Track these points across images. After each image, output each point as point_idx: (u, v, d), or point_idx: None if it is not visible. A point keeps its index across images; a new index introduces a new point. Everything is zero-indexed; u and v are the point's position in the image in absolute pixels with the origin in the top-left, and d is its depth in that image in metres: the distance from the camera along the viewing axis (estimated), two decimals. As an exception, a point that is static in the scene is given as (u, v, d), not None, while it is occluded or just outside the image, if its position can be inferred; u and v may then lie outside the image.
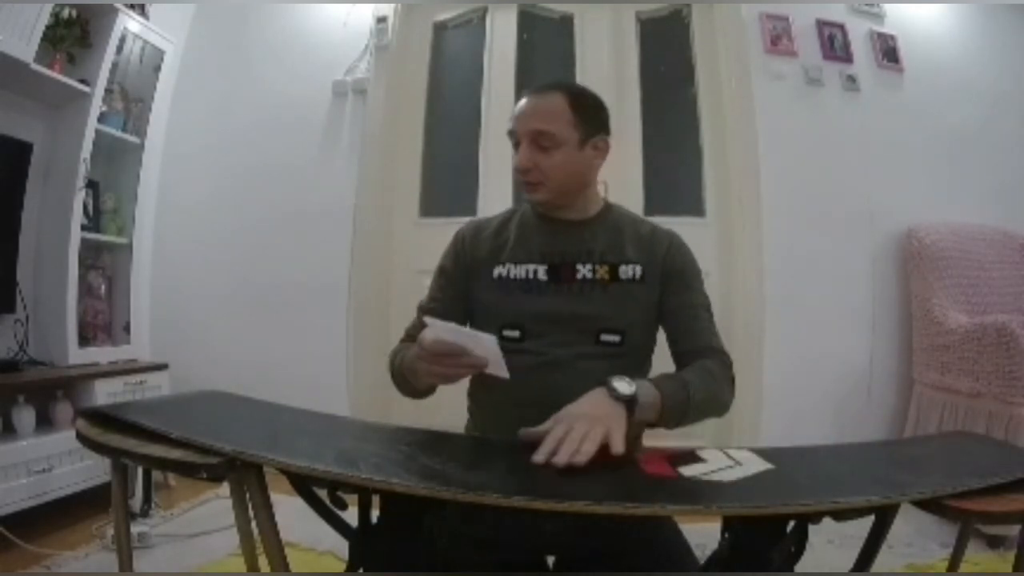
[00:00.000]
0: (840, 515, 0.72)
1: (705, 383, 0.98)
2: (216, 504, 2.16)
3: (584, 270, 1.08)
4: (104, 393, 2.19)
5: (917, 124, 2.76)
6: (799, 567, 0.84)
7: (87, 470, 2.05)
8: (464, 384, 1.05)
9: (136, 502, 2.06)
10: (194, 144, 2.92)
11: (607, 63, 2.84)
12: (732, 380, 1.05)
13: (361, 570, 0.92)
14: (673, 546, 1.02)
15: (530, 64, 2.92)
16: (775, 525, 0.79)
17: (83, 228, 2.34)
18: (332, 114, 2.84)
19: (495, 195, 2.76)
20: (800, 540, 0.83)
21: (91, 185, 2.40)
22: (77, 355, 2.27)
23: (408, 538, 0.86)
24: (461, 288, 1.14)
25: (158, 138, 2.76)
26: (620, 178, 2.64)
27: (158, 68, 2.64)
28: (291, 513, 0.99)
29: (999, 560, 1.79)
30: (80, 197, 2.29)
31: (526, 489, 0.70)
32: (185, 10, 2.94)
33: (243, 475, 0.81)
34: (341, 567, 1.07)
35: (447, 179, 2.96)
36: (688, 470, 0.79)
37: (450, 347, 0.88)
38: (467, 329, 0.95)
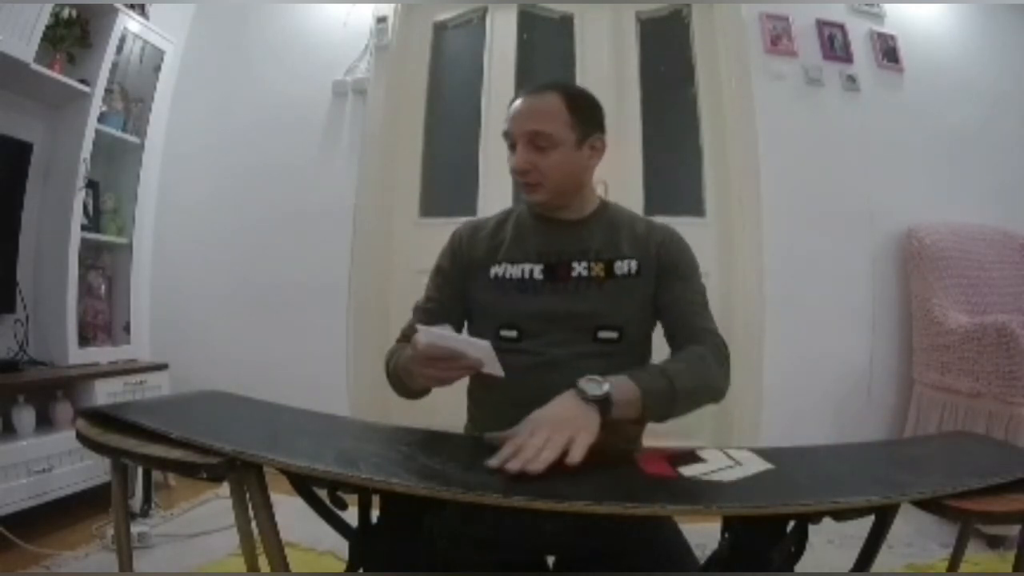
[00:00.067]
0: (840, 515, 0.72)
1: (691, 369, 0.96)
2: (216, 504, 2.16)
3: (579, 268, 1.07)
4: (104, 393, 2.19)
5: (917, 124, 2.76)
6: (799, 567, 0.84)
7: (87, 470, 2.05)
8: (463, 384, 1.05)
9: (136, 502, 2.06)
10: (194, 144, 2.92)
11: (607, 63, 2.84)
12: (726, 364, 1.01)
13: (361, 570, 0.92)
14: (673, 546, 1.01)
15: (530, 64, 2.92)
16: (775, 525, 0.79)
17: (83, 228, 2.33)
18: (332, 114, 2.84)
19: (495, 195, 2.76)
20: (800, 540, 0.83)
21: (91, 185, 2.40)
22: (77, 355, 2.27)
23: (408, 538, 0.86)
24: (458, 288, 1.14)
25: (158, 138, 2.76)
26: (620, 178, 2.64)
27: (158, 68, 2.64)
28: (291, 513, 0.99)
29: (999, 560, 1.79)
30: (80, 197, 2.29)
31: (526, 489, 0.70)
32: (185, 10, 2.94)
33: (243, 475, 0.81)
34: (341, 567, 1.07)
35: (447, 179, 2.96)
36: (688, 470, 0.79)
37: (443, 351, 0.88)
38: (459, 335, 0.95)
